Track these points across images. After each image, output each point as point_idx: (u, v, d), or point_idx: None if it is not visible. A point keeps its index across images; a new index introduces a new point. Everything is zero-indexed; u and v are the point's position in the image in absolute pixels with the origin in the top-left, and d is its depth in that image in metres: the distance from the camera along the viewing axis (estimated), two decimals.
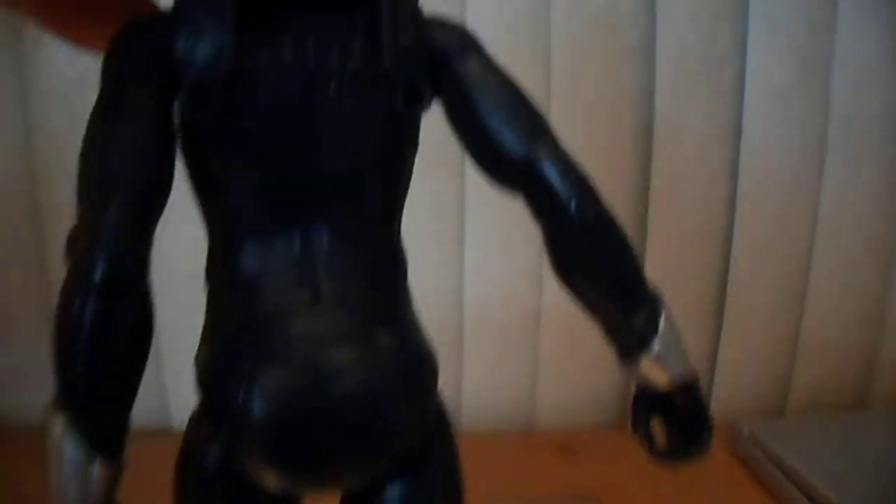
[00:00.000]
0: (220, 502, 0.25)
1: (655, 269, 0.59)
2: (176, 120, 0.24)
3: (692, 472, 0.56)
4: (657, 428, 0.27)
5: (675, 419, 0.26)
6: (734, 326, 0.62)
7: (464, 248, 0.58)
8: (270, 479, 0.24)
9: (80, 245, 0.21)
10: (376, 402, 0.23)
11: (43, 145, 0.54)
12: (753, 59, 0.58)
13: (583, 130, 0.56)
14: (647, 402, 0.27)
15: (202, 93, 0.23)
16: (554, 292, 0.59)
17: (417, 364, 0.24)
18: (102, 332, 0.21)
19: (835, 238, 0.61)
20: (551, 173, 0.25)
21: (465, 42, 0.26)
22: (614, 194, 0.59)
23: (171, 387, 0.59)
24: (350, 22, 0.24)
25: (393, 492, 0.25)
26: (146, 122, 0.23)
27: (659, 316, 0.26)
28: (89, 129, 0.23)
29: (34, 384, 0.57)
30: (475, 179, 0.56)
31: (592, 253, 0.25)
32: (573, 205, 0.24)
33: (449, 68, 0.26)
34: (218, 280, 0.25)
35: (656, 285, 0.26)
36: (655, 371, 0.26)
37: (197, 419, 0.25)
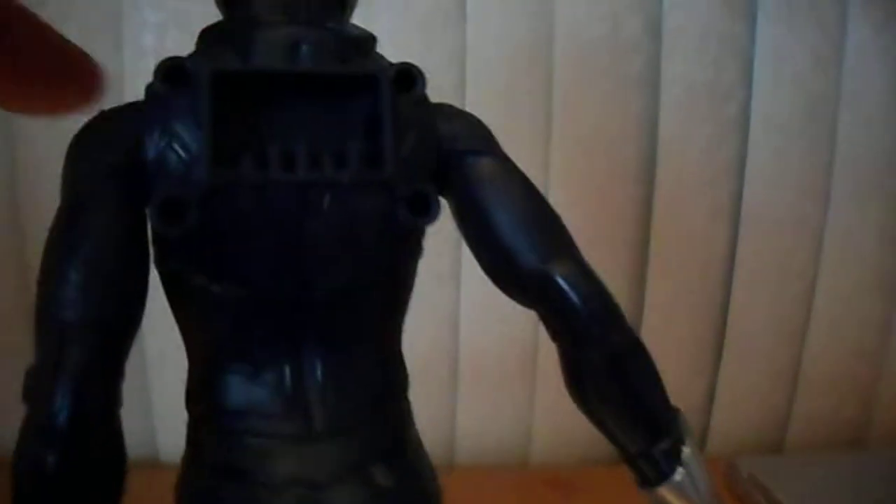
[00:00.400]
0: None
1: (655, 303, 0.59)
2: (149, 231, 0.21)
3: None
4: None
5: None
6: (733, 361, 0.61)
7: (460, 283, 0.56)
8: None
9: (39, 386, 0.19)
10: None
11: (28, 169, 0.53)
12: (759, 91, 0.57)
13: (584, 160, 0.55)
14: None
15: (175, 208, 0.20)
16: None
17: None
18: (67, 482, 0.19)
19: (837, 273, 0.60)
20: (571, 293, 0.23)
21: (477, 137, 0.24)
22: (615, 225, 0.59)
23: (158, 417, 0.57)
24: (345, 120, 0.22)
25: None
26: (113, 240, 0.20)
27: (682, 445, 0.24)
28: (48, 247, 0.20)
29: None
30: None
31: (614, 384, 0.23)
32: (596, 331, 0.23)
33: (459, 168, 0.23)
34: (199, 411, 0.23)
35: (677, 407, 0.25)
36: (676, 500, 0.24)
37: None
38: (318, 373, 0.22)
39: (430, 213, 0.22)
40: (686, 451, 0.24)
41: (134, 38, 0.52)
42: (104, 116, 0.21)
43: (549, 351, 0.62)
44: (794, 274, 0.60)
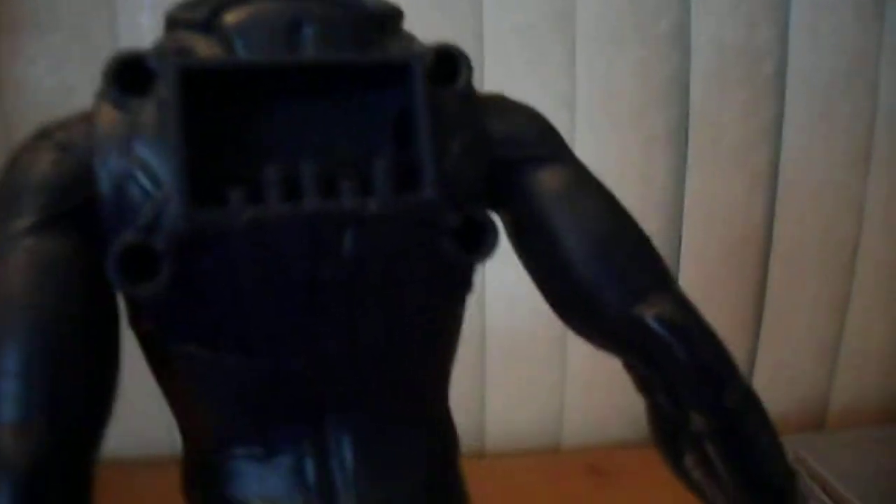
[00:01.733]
0: None
1: (690, 277, 0.56)
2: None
3: None
4: None
5: None
6: (773, 333, 0.59)
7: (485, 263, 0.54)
8: None
9: None
10: None
11: None
12: (795, 50, 0.54)
13: (612, 130, 0.52)
14: None
15: (141, 262, 0.15)
16: None
17: None
18: None
19: (880, 243, 0.58)
20: (673, 342, 0.18)
21: (540, 139, 0.19)
22: (646, 198, 0.56)
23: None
24: (367, 126, 0.16)
25: None
26: (68, 306, 0.15)
27: None
28: None
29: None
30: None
31: (723, 453, 0.19)
32: (705, 393, 0.19)
33: (518, 180, 0.18)
34: (200, 501, 0.18)
35: (795, 470, 0.22)
36: None
37: None
38: (347, 454, 0.17)
39: (485, 245, 0.17)
40: None
41: (129, 18, 0.49)
42: (43, 135, 0.16)
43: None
44: (835, 242, 0.58)
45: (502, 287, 0.55)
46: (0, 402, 0.14)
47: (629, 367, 0.20)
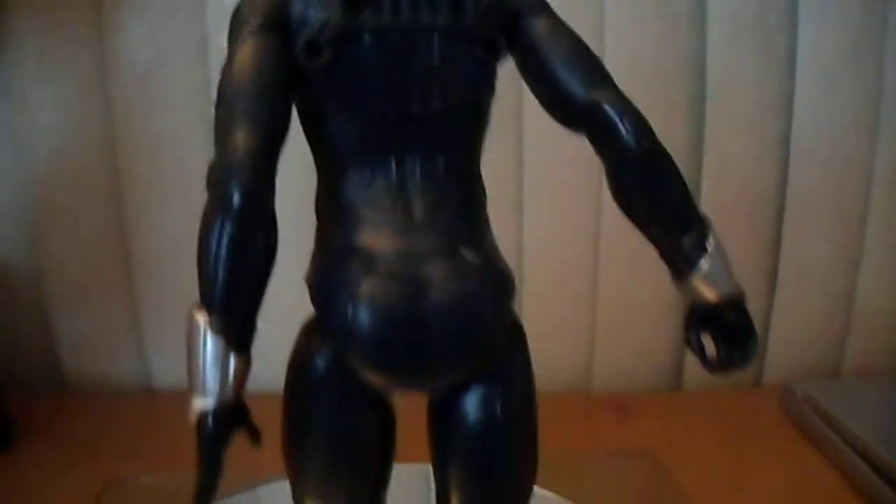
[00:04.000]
0: (328, 402, 0.29)
1: None
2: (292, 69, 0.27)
3: (745, 433, 0.58)
4: (708, 341, 0.30)
5: (723, 333, 0.29)
6: (787, 293, 0.63)
7: (523, 216, 0.60)
8: (373, 379, 0.27)
9: (218, 178, 0.25)
10: (467, 311, 0.26)
11: (122, 121, 0.58)
12: (806, 26, 0.59)
13: (638, 99, 0.57)
14: (698, 318, 0.30)
15: (314, 49, 0.26)
16: (610, 254, 0.61)
17: (501, 280, 0.28)
18: (239, 253, 0.25)
19: (889, 202, 0.62)
20: (613, 113, 0.28)
21: (536, 3, 0.30)
22: None
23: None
24: None
25: (475, 394, 0.29)
26: (272, 71, 0.26)
27: (706, 238, 0.29)
28: (224, 77, 0.27)
29: (110, 351, 0.61)
30: (532, 140, 0.58)
31: (648, 181, 0.29)
32: (632, 140, 0.28)
33: (522, 25, 0.29)
34: (325, 212, 0.29)
35: (705, 215, 0.30)
36: (704, 288, 0.29)
37: (307, 331, 0.29)
38: (417, 176, 0.28)
39: (497, 53, 0.28)
40: (710, 242, 0.29)
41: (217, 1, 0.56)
42: None
43: (608, 279, 0.65)
44: (846, 206, 0.62)
45: (537, 240, 0.61)
46: (237, 118, 0.26)
47: (592, 140, 0.28)
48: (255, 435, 0.27)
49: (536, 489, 0.47)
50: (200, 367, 0.25)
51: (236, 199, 0.24)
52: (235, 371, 0.26)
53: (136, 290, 0.60)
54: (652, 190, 0.29)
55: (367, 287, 0.26)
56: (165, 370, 0.62)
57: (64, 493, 0.48)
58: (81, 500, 0.46)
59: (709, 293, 0.29)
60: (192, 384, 0.26)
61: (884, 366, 0.65)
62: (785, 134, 0.61)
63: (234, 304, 0.26)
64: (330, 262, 0.28)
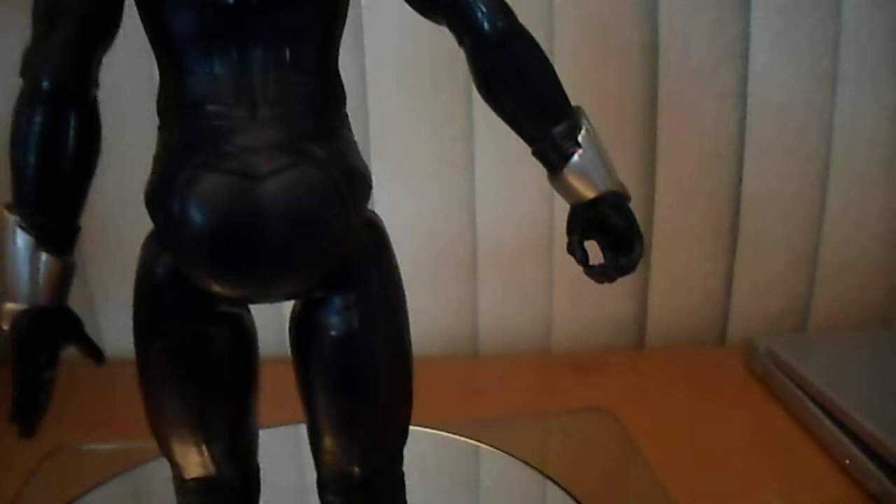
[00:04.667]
0: (173, 312, 0.27)
1: (666, 191, 0.60)
2: None
3: (707, 389, 0.57)
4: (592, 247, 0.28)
5: (607, 235, 0.28)
6: (749, 246, 0.62)
7: (474, 170, 0.59)
8: (213, 287, 0.25)
9: (29, 63, 0.24)
10: (304, 207, 0.24)
11: None
12: None
13: (588, 49, 0.56)
14: (579, 222, 0.28)
15: None
16: (565, 212, 0.59)
17: (349, 176, 0.26)
18: (50, 137, 0.24)
19: (850, 154, 0.61)
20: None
21: None
22: (621, 113, 0.60)
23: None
24: None
25: (331, 305, 0.27)
26: None
27: (579, 129, 0.27)
28: None
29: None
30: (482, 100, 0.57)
31: (509, 66, 0.27)
32: (488, 21, 0.26)
33: None
34: (166, 112, 0.27)
35: (579, 106, 0.28)
36: (580, 184, 0.27)
37: (148, 242, 0.27)
38: (259, 70, 0.25)
39: None
40: (583, 133, 0.27)
41: None
42: None
43: (564, 236, 0.63)
44: (806, 156, 0.61)
45: (491, 204, 0.59)
46: (47, 11, 0.24)
47: (451, 26, 0.27)
48: (93, 351, 0.27)
49: (492, 449, 0.47)
50: (10, 268, 0.24)
51: (46, 83, 0.23)
52: (49, 271, 0.24)
53: (82, 257, 0.59)
54: (514, 76, 0.27)
55: (196, 185, 0.24)
56: (114, 339, 0.61)
57: (8, 460, 0.47)
58: (26, 467, 0.45)
59: (586, 190, 0.27)
60: (5, 288, 0.25)
61: (850, 322, 0.64)
62: (742, 81, 0.59)
63: (45, 197, 0.24)
64: (166, 165, 0.26)
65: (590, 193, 0.27)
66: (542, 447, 0.50)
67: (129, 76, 0.54)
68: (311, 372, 0.28)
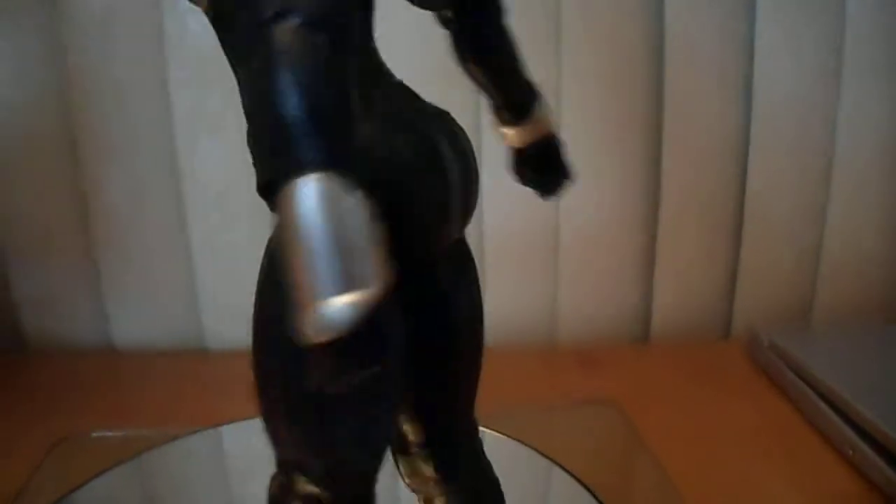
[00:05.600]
0: None
1: (671, 187, 0.60)
2: None
3: (711, 382, 0.57)
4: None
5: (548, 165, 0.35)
6: (753, 242, 0.62)
7: (482, 164, 0.59)
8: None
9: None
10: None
11: (76, 71, 0.56)
12: None
13: (593, 49, 0.57)
14: (526, 160, 0.35)
15: None
16: (571, 207, 0.60)
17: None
18: None
19: (855, 150, 0.61)
20: None
21: None
22: (627, 110, 0.60)
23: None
24: None
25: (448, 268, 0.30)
26: None
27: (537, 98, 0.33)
28: None
29: (69, 309, 0.60)
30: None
31: (504, 36, 0.31)
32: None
33: None
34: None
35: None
36: (545, 120, 0.33)
37: None
38: None
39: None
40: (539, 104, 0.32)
41: None
42: None
43: (572, 230, 0.64)
44: (811, 152, 0.61)
45: (498, 198, 0.60)
46: None
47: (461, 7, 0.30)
48: None
49: (501, 437, 0.47)
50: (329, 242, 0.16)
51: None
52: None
53: (94, 248, 0.59)
54: (505, 42, 0.31)
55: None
56: (125, 329, 0.61)
57: (18, 448, 0.47)
58: (35, 455, 0.45)
59: (548, 125, 0.33)
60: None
61: (853, 315, 0.64)
62: (747, 78, 0.60)
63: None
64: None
65: (549, 129, 0.33)
66: (548, 439, 0.50)
67: (137, 69, 0.55)
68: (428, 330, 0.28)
